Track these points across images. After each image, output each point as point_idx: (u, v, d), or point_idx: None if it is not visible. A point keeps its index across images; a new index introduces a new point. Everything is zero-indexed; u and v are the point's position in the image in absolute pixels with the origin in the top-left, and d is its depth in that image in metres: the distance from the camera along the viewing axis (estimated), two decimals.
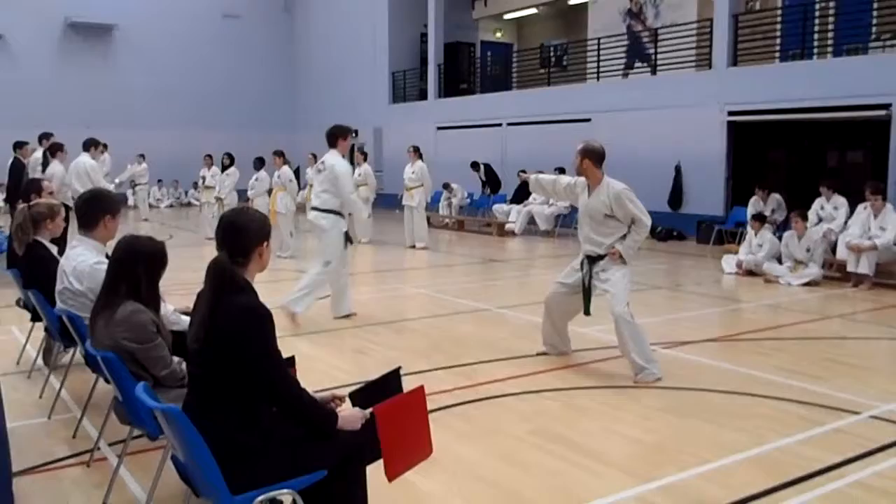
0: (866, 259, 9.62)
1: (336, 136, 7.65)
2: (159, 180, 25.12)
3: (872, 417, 4.86)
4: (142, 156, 20.32)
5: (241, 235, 2.88)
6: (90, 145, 10.83)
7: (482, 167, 18.56)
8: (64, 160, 10.53)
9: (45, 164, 10.76)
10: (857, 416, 4.88)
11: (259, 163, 13.74)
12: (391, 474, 2.89)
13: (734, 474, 3.97)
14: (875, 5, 13.48)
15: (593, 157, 5.74)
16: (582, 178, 5.90)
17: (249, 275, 2.89)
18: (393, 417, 2.87)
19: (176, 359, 3.60)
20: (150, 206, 24.58)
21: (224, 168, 14.97)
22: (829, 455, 4.19)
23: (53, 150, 10.58)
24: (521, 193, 16.49)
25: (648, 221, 5.72)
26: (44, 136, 11.57)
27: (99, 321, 3.58)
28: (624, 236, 5.74)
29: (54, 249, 5.45)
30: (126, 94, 24.59)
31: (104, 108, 23.84)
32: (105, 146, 12.82)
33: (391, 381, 3.20)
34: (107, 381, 3.83)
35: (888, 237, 9.65)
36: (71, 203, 8.90)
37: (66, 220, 6.03)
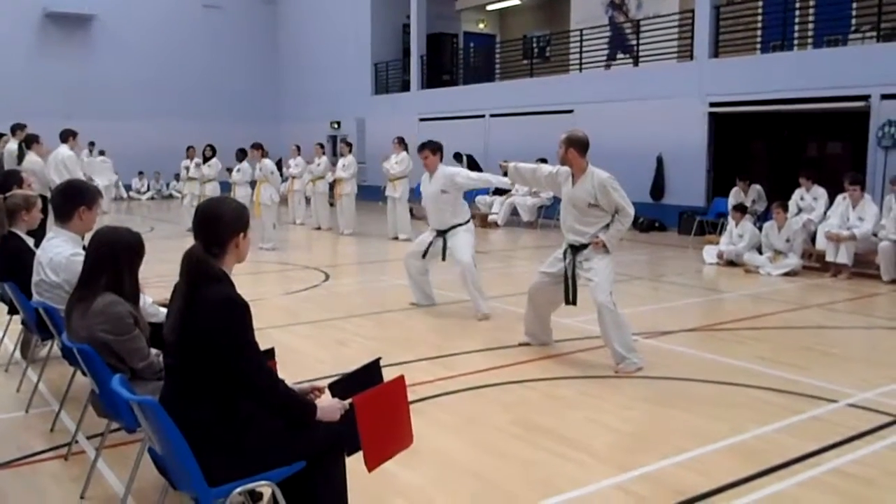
0: (845, 249, 9.72)
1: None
2: (140, 172, 24.93)
3: (850, 405, 4.91)
4: (101, 151, 19.66)
5: (217, 225, 2.84)
6: (68, 136, 10.72)
7: (465, 158, 18.54)
8: (40, 152, 10.39)
9: (20, 156, 10.60)
10: (834, 405, 4.93)
11: (241, 154, 13.66)
12: (371, 465, 2.88)
13: (713, 462, 4.00)
14: None
15: (578, 145, 5.73)
16: (565, 167, 5.88)
17: (226, 266, 2.84)
18: (372, 408, 2.86)
19: (154, 351, 3.58)
20: (131, 198, 24.47)
21: (206, 159, 14.87)
22: (808, 443, 4.23)
23: (29, 142, 10.43)
24: None
25: (632, 211, 5.73)
26: (17, 127, 11.40)
27: (75, 313, 3.55)
28: (607, 226, 5.74)
29: (31, 241, 5.40)
30: (105, 85, 24.32)
31: (83, 99, 23.58)
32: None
33: (371, 371, 3.19)
34: (84, 373, 3.79)
35: (866, 227, 9.75)
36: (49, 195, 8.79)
37: (44, 211, 5.97)
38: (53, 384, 5.14)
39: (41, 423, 4.56)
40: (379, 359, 3.26)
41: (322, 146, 16.26)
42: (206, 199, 3.09)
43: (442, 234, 7.63)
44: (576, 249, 5.82)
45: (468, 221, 7.69)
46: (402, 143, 14.31)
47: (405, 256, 8.07)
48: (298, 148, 16.58)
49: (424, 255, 7.72)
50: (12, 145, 10.99)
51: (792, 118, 14.08)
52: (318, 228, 15.68)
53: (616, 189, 5.68)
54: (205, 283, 2.71)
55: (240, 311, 2.68)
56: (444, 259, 7.67)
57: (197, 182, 15.16)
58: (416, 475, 3.81)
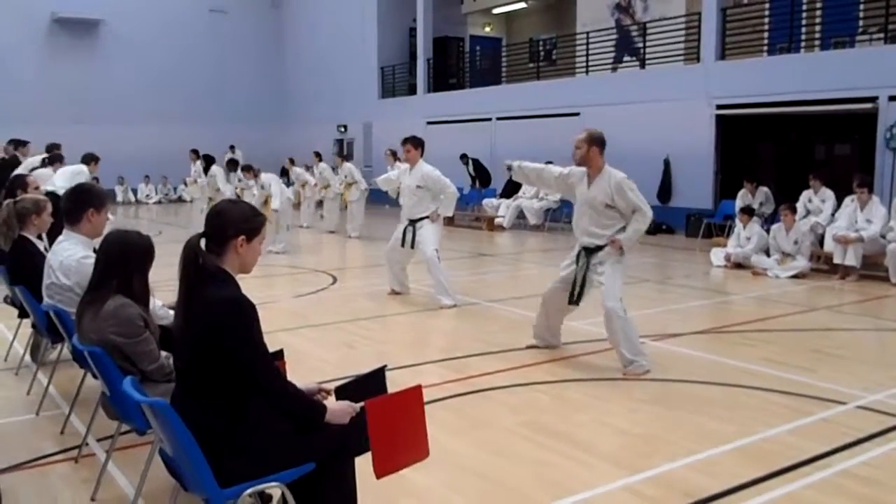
0: (853, 251, 9.69)
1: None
2: (146, 176, 25.04)
3: (859, 407, 4.90)
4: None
5: (219, 221, 2.80)
6: (90, 160, 10.06)
7: (471, 161, 18.53)
8: (25, 153, 10.21)
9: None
10: (843, 406, 4.92)
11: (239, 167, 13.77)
12: (379, 472, 2.83)
13: (722, 464, 4.00)
14: None
15: (599, 143, 5.70)
16: (578, 168, 5.81)
17: (228, 268, 2.81)
18: (384, 414, 2.82)
19: (164, 353, 3.60)
20: (139, 201, 24.58)
21: (206, 170, 14.96)
22: (816, 445, 4.22)
23: (53, 160, 10.31)
24: (511, 188, 16.53)
25: (649, 211, 5.65)
26: (19, 144, 11.25)
27: (86, 316, 3.57)
28: (622, 228, 5.68)
29: (42, 245, 5.42)
30: (113, 90, 24.44)
31: (92, 103, 23.72)
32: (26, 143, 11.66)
33: (376, 379, 3.18)
34: (94, 376, 3.81)
35: (874, 229, 9.72)
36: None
37: (55, 215, 5.99)
38: (63, 387, 5.16)
39: (51, 426, 4.58)
40: (384, 367, 3.25)
41: (318, 154, 16.43)
42: (224, 199, 3.09)
43: (412, 223, 8.27)
44: (590, 252, 5.78)
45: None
46: (395, 155, 13.91)
47: (386, 250, 8.72)
48: (319, 155, 16.72)
49: (402, 245, 8.32)
50: (36, 159, 10.66)
51: (799, 120, 14.05)
52: (333, 232, 15.72)
53: (632, 189, 5.63)
54: (200, 280, 2.70)
55: (244, 312, 2.67)
56: (412, 247, 8.25)
57: (203, 186, 15.26)
58: (426, 477, 3.81)
